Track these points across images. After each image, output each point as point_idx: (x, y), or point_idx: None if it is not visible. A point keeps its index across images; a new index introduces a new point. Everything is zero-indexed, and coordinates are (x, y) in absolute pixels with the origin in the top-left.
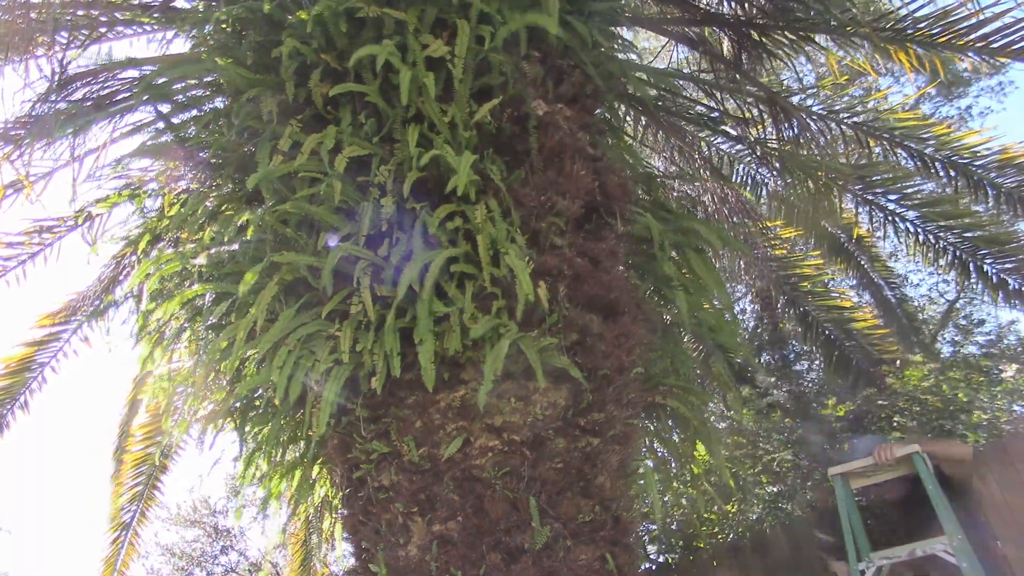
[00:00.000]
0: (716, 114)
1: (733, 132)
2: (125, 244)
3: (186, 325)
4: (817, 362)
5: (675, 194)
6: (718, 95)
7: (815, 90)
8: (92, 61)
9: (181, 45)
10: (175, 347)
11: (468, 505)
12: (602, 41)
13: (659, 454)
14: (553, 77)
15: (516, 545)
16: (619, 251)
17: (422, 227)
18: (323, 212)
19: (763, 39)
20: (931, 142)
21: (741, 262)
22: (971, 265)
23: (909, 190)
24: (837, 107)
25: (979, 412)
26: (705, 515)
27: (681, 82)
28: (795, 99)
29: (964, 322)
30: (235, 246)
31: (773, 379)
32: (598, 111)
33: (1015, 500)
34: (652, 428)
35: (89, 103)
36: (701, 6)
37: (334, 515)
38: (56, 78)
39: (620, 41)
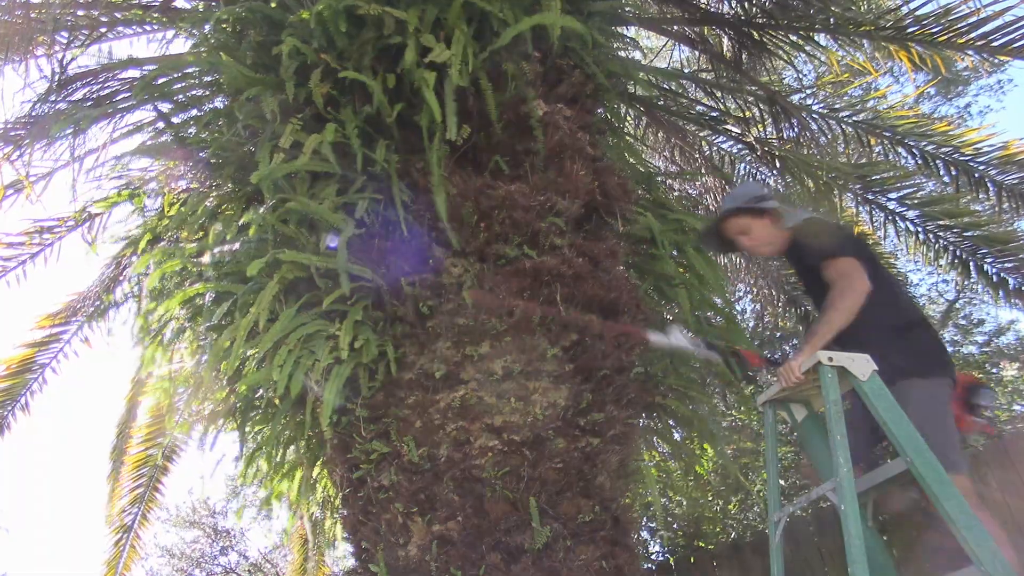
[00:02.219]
0: (716, 113)
1: (734, 131)
2: (125, 244)
3: (187, 325)
4: None
5: (675, 193)
6: (718, 95)
7: (815, 89)
8: (92, 61)
9: (181, 45)
10: (176, 347)
11: (468, 505)
12: (602, 41)
13: (661, 453)
14: (553, 77)
15: (516, 545)
16: (619, 251)
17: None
18: (324, 211)
19: (763, 39)
20: (932, 140)
21: (741, 261)
22: (971, 264)
23: (909, 189)
24: (837, 106)
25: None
26: (706, 514)
27: (682, 82)
28: (795, 98)
29: (964, 322)
30: (236, 245)
31: (774, 378)
32: (598, 111)
33: (1015, 502)
34: (653, 428)
35: (89, 103)
36: (701, 6)
37: (334, 515)
38: (56, 78)
39: (623, 40)
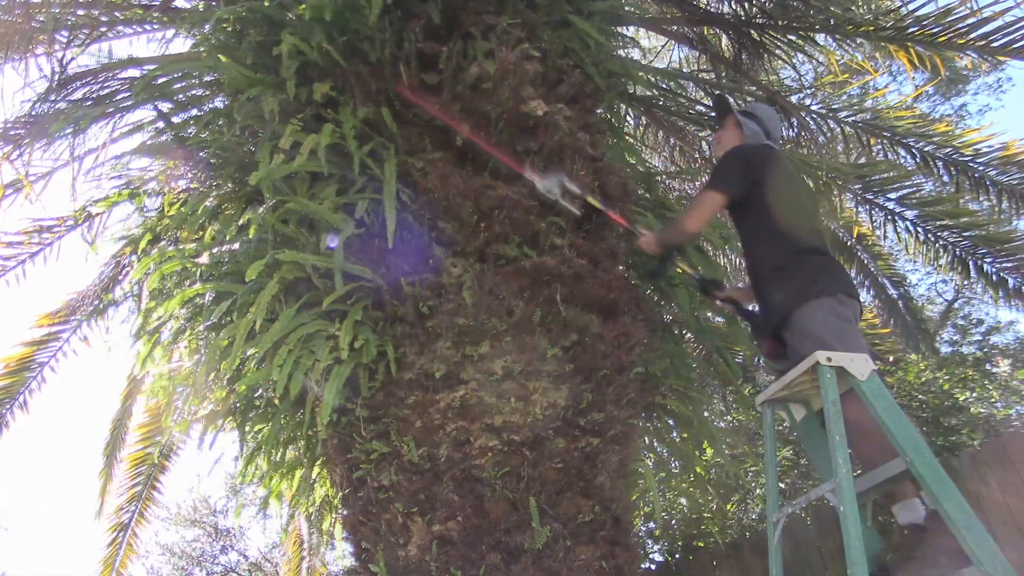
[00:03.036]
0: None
1: None
2: (125, 244)
3: (186, 324)
4: None
5: (675, 193)
6: (718, 94)
7: (814, 89)
8: (92, 60)
9: (181, 45)
10: (175, 346)
11: (468, 505)
12: (602, 41)
13: (660, 454)
14: (553, 77)
15: (516, 545)
16: (619, 251)
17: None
18: (324, 211)
19: (763, 39)
20: (931, 140)
21: (740, 261)
22: (971, 264)
23: (909, 189)
24: (836, 105)
25: (977, 407)
26: (705, 515)
27: (681, 82)
28: (794, 98)
29: (963, 322)
30: (236, 245)
31: (773, 378)
32: (598, 111)
33: (1015, 502)
34: (652, 428)
35: (89, 102)
36: (701, 6)
37: (334, 515)
38: (56, 77)
39: (622, 39)
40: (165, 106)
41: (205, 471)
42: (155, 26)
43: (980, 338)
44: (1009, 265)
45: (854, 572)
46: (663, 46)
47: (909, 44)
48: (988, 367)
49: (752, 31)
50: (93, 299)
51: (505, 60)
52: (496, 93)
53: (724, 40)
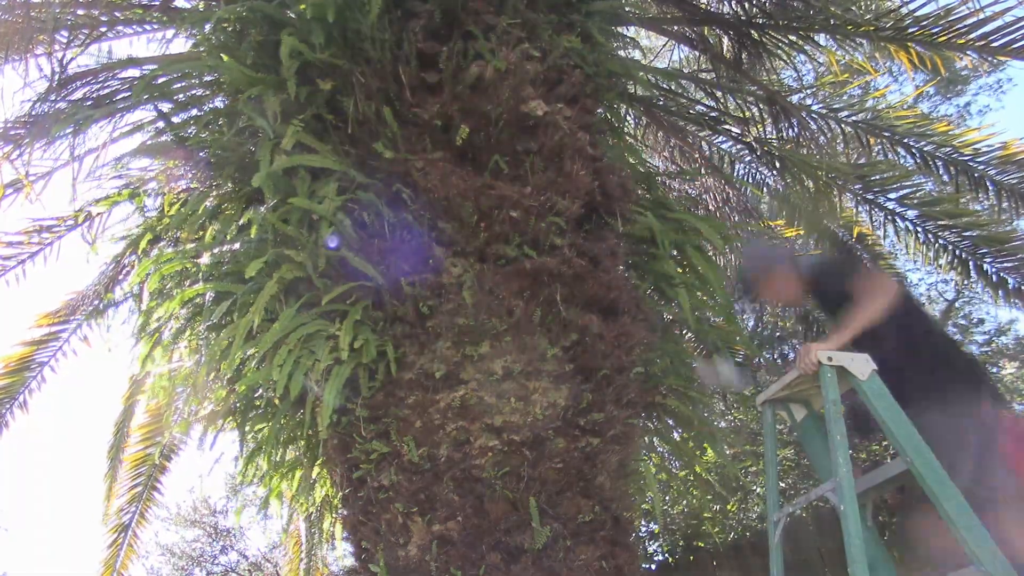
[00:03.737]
0: (716, 114)
1: (734, 131)
2: (125, 244)
3: (186, 324)
4: None
5: (675, 193)
6: (718, 95)
7: (814, 89)
8: (92, 60)
9: (181, 44)
10: (175, 347)
11: (468, 505)
12: (602, 41)
13: (660, 453)
14: (553, 77)
15: (516, 545)
16: (619, 251)
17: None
18: (325, 210)
19: (763, 39)
20: (931, 140)
21: (741, 261)
22: (971, 264)
23: (909, 189)
24: (837, 105)
25: None
26: (705, 515)
27: (681, 82)
28: (795, 98)
29: (963, 321)
30: (236, 245)
31: (774, 378)
32: (598, 111)
33: None
34: (652, 428)
35: (89, 102)
36: (701, 6)
37: (334, 515)
38: (56, 77)
39: (623, 39)
40: (165, 106)
41: (205, 471)
42: (155, 26)
43: (986, 338)
44: (1009, 265)
45: (854, 572)
46: (663, 46)
47: (909, 44)
48: (991, 368)
49: (752, 31)
50: (93, 299)
51: (505, 60)
52: (496, 93)
53: (725, 40)
